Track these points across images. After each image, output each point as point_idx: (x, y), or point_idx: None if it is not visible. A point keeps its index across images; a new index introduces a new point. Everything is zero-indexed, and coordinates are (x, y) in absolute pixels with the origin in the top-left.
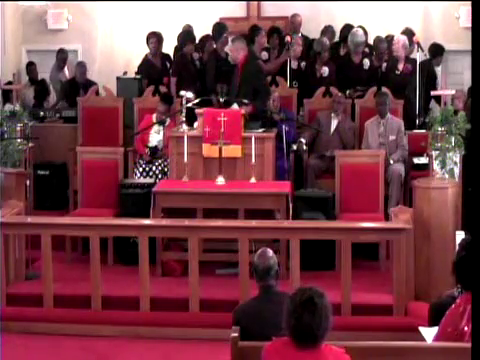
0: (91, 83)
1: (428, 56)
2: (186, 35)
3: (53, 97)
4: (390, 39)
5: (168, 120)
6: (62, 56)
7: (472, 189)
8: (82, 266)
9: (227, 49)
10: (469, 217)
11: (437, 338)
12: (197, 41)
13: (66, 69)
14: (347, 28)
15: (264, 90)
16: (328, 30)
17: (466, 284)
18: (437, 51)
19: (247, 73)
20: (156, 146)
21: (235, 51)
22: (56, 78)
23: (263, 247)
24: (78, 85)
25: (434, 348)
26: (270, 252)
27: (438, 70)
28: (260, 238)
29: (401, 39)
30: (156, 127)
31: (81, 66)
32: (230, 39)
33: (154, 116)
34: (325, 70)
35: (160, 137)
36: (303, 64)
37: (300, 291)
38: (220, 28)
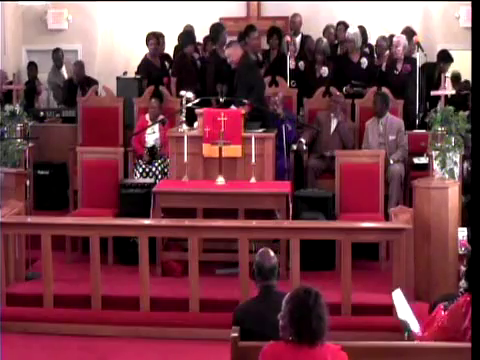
0: (90, 81)
1: (427, 56)
2: (187, 36)
3: (46, 97)
4: (391, 39)
5: (166, 120)
6: (58, 56)
7: (471, 197)
8: (82, 266)
9: (226, 53)
10: (471, 220)
11: (433, 331)
12: (199, 41)
13: (64, 71)
14: (341, 26)
15: (258, 84)
16: (328, 30)
17: (471, 285)
18: (445, 58)
19: (240, 70)
20: (154, 146)
21: (231, 55)
22: (54, 81)
23: (264, 247)
24: (76, 86)
25: (434, 348)
26: (271, 252)
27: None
28: (260, 238)
29: (401, 40)
30: (150, 127)
31: (78, 65)
32: (226, 45)
33: (148, 115)
34: (325, 70)
35: (156, 136)
36: (301, 64)
37: (301, 290)
38: (217, 28)
